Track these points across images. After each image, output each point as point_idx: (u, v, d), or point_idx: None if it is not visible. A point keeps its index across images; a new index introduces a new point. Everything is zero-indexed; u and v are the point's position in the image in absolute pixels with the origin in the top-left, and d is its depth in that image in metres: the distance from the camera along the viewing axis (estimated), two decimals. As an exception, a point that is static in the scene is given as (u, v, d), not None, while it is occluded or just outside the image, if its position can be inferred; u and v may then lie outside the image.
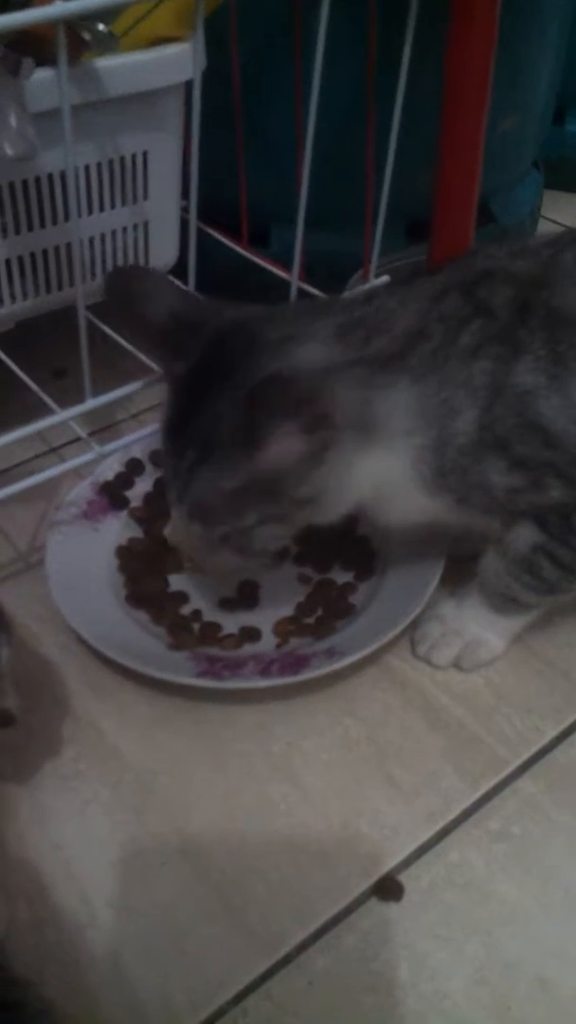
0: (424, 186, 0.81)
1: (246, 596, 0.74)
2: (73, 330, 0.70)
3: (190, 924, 0.57)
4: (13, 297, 0.80)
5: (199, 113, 0.65)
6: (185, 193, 0.78)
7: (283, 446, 0.56)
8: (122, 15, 0.71)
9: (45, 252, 0.78)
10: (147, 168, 0.79)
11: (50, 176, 0.73)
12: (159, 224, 0.84)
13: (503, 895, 0.58)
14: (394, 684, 0.70)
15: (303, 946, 0.56)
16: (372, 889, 0.58)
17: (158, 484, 0.82)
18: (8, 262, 0.77)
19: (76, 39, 0.65)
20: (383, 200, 0.81)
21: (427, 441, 0.59)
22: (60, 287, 0.81)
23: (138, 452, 0.82)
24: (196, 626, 0.72)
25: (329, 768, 0.65)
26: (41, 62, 0.63)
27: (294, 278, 0.82)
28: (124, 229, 0.82)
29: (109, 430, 0.90)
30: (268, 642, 0.71)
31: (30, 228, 0.76)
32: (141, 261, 0.85)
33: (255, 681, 0.66)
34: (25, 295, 0.80)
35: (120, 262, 0.84)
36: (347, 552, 0.77)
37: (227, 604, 0.74)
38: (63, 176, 0.73)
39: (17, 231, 0.75)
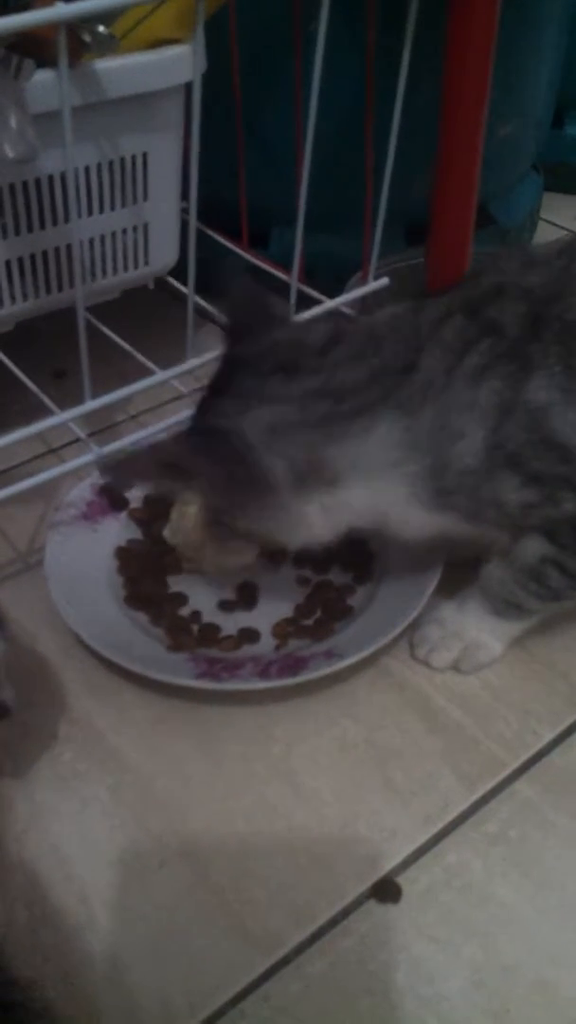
0: (423, 188, 0.81)
1: (245, 598, 0.74)
2: (73, 331, 0.70)
3: (188, 926, 0.57)
4: (13, 298, 0.80)
5: (199, 115, 0.66)
6: (185, 195, 0.78)
7: (206, 497, 0.64)
8: (122, 17, 0.72)
9: (45, 253, 0.78)
10: (147, 169, 0.79)
11: (50, 177, 0.73)
12: (159, 226, 0.84)
13: (501, 897, 0.58)
14: (392, 686, 0.70)
15: (301, 948, 0.56)
16: (370, 891, 0.58)
17: (157, 485, 0.82)
18: (8, 263, 0.77)
19: (76, 41, 0.66)
20: (382, 202, 0.82)
21: (420, 468, 0.60)
22: (60, 288, 0.81)
23: (137, 453, 0.82)
24: (195, 627, 0.72)
25: (327, 770, 0.65)
26: (41, 64, 0.63)
27: (293, 280, 0.82)
28: (124, 230, 0.82)
29: (109, 431, 0.90)
30: (267, 644, 0.71)
31: (30, 229, 0.76)
32: (141, 263, 0.85)
33: (254, 683, 0.66)
34: (25, 296, 0.80)
35: (120, 264, 0.84)
36: (346, 554, 0.77)
37: (226, 606, 0.74)
38: (63, 177, 0.73)
39: (17, 232, 0.75)
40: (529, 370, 0.57)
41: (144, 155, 0.78)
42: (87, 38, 0.66)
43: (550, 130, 1.20)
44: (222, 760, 0.65)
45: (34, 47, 0.62)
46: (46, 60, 0.62)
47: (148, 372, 0.79)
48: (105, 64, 0.69)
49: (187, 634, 0.71)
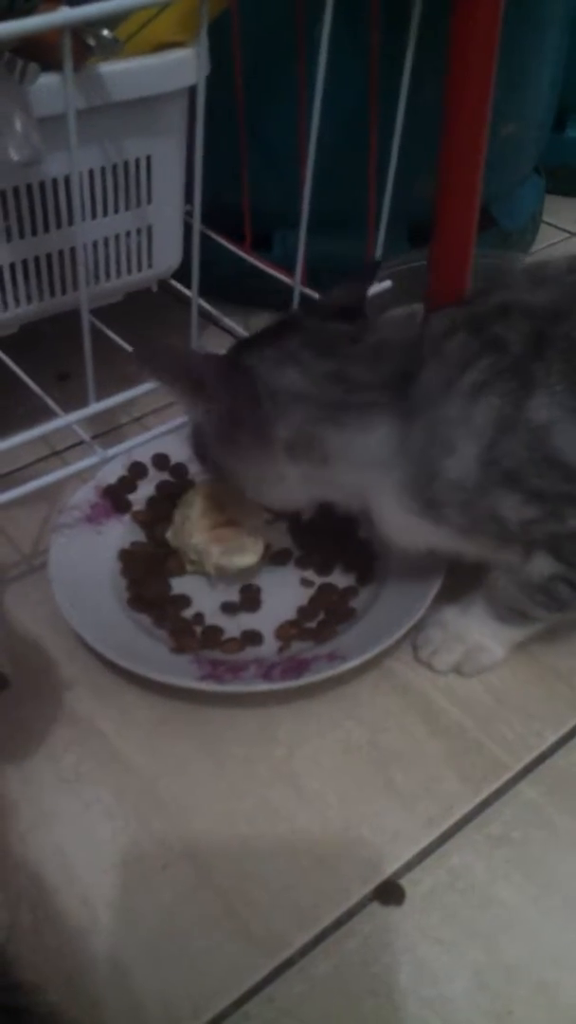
0: (426, 191, 0.82)
1: (248, 600, 0.75)
2: (77, 334, 0.70)
3: (191, 928, 0.57)
4: (17, 301, 0.80)
5: (203, 118, 0.66)
6: (188, 197, 0.78)
7: (200, 415, 0.66)
8: (126, 20, 0.72)
9: (49, 256, 0.78)
10: (151, 173, 0.79)
11: (54, 180, 0.74)
12: (162, 228, 0.84)
13: (504, 899, 0.58)
14: (395, 688, 0.70)
15: (304, 950, 0.56)
16: (373, 893, 0.59)
17: (161, 487, 0.82)
18: (12, 266, 0.77)
19: (81, 44, 0.66)
20: (385, 205, 0.82)
21: (404, 475, 0.61)
22: (64, 291, 0.81)
23: (141, 456, 0.82)
24: (198, 629, 0.72)
25: (330, 772, 0.65)
26: (46, 67, 0.63)
27: (297, 282, 0.82)
28: (128, 233, 0.82)
29: (112, 433, 0.91)
30: (270, 646, 0.71)
31: (34, 232, 0.76)
32: (144, 265, 0.85)
33: (257, 685, 0.66)
34: (29, 299, 0.80)
35: (123, 266, 0.84)
36: (349, 556, 0.77)
37: (229, 608, 0.74)
38: (67, 180, 0.73)
39: (21, 235, 0.76)
40: (531, 388, 0.57)
41: (148, 158, 0.78)
42: (91, 42, 0.66)
43: (552, 133, 1.20)
44: (225, 762, 0.65)
45: (39, 51, 0.62)
46: (51, 64, 0.62)
47: (151, 375, 0.79)
48: (109, 68, 0.70)
49: (190, 636, 0.71)
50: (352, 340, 0.64)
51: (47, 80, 0.64)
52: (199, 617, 0.73)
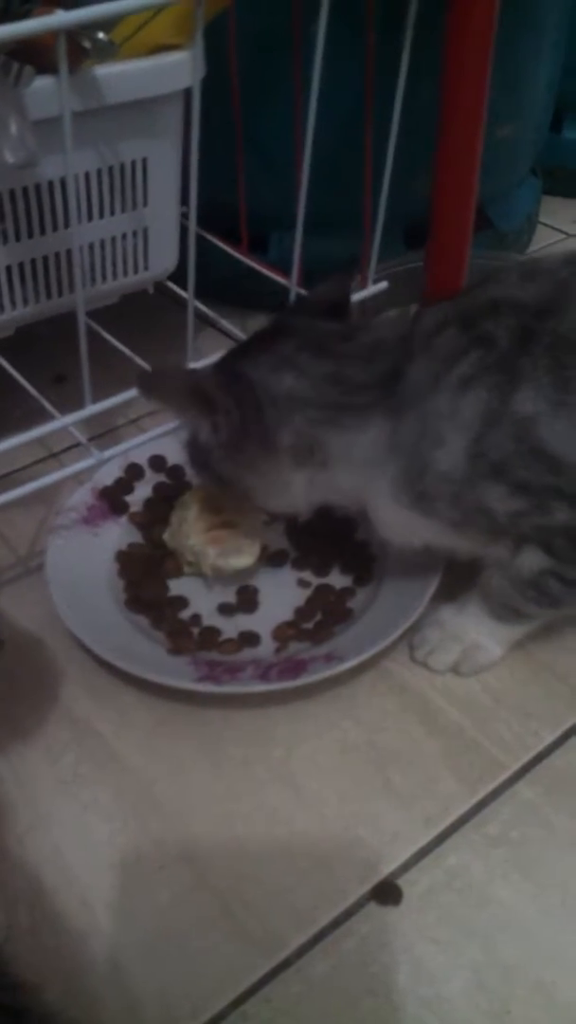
0: (422, 192, 0.82)
1: (245, 601, 0.75)
2: (73, 336, 0.70)
3: (189, 928, 0.57)
4: (13, 303, 0.80)
5: (198, 120, 0.66)
6: (184, 199, 0.79)
7: (198, 425, 0.66)
8: (122, 23, 0.72)
9: (45, 258, 0.79)
10: (146, 175, 0.80)
11: (50, 183, 0.74)
12: (159, 230, 0.84)
13: (501, 899, 0.58)
14: (393, 689, 0.70)
15: (302, 950, 0.56)
16: (371, 893, 0.59)
17: (158, 489, 0.82)
18: (8, 268, 0.77)
19: (76, 47, 0.66)
20: (381, 206, 0.82)
21: (397, 469, 0.62)
22: (60, 293, 0.81)
23: (138, 457, 0.82)
24: (195, 631, 0.72)
25: (328, 772, 0.65)
26: (41, 70, 0.63)
27: (293, 284, 0.83)
28: (124, 235, 0.82)
29: (109, 435, 0.91)
30: (267, 647, 0.71)
31: (30, 235, 0.76)
32: (141, 268, 0.85)
33: (254, 685, 0.66)
34: (25, 301, 0.80)
35: (120, 268, 0.84)
36: (346, 557, 0.77)
37: (226, 609, 0.74)
38: (63, 183, 0.73)
39: (17, 238, 0.76)
40: (517, 382, 0.58)
41: (144, 160, 0.79)
42: (87, 44, 0.67)
43: (549, 133, 1.20)
44: (222, 763, 0.65)
45: (34, 54, 0.62)
46: (46, 66, 0.62)
47: (148, 376, 0.79)
48: (105, 70, 0.70)
49: (187, 637, 0.71)
50: (346, 339, 0.65)
51: (42, 83, 0.64)
52: (196, 618, 0.74)
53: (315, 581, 0.77)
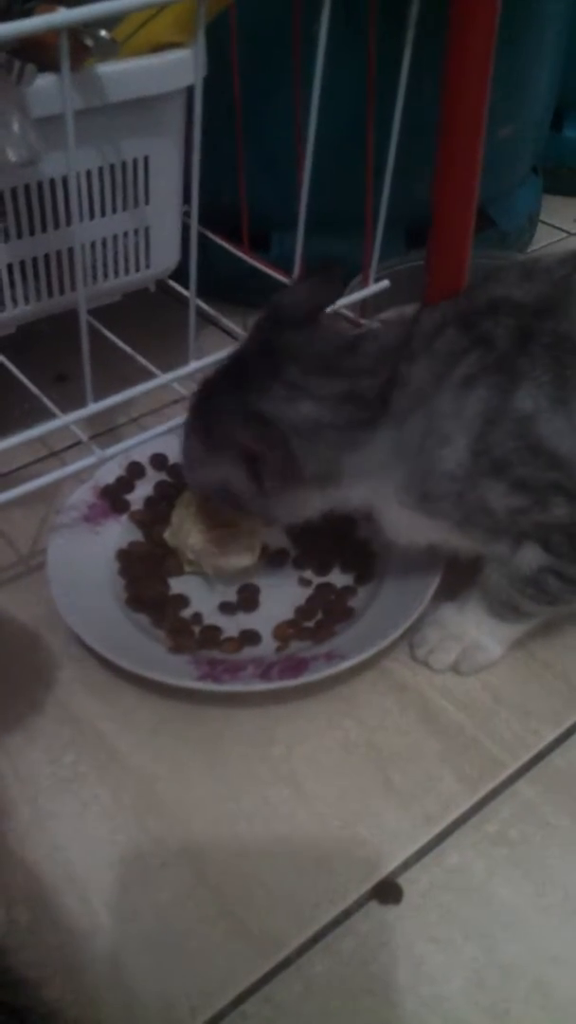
0: (423, 191, 0.82)
1: (246, 600, 0.75)
2: (74, 334, 0.70)
3: (190, 927, 0.57)
4: (15, 301, 0.80)
5: (200, 118, 0.66)
6: (186, 198, 0.78)
7: (223, 470, 0.65)
8: (124, 21, 0.72)
9: (47, 256, 0.78)
10: (148, 173, 0.80)
11: (52, 181, 0.74)
12: (160, 229, 0.84)
13: (501, 898, 0.58)
14: (393, 688, 0.70)
15: (302, 949, 0.56)
16: (371, 892, 0.59)
17: (159, 488, 0.82)
18: (10, 266, 0.77)
19: (78, 45, 0.66)
20: (383, 205, 0.82)
21: (404, 472, 0.62)
22: (62, 291, 0.81)
23: (139, 456, 0.82)
24: (196, 629, 0.72)
25: (328, 771, 0.65)
26: (44, 68, 0.63)
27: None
28: (125, 234, 0.82)
29: (110, 434, 0.91)
30: (268, 646, 0.72)
31: (32, 233, 0.76)
32: (142, 266, 0.85)
33: (255, 684, 0.66)
34: (27, 299, 0.80)
35: (121, 267, 0.84)
36: (347, 556, 0.77)
37: (227, 608, 0.74)
38: (65, 181, 0.73)
39: (19, 235, 0.76)
40: (517, 380, 0.59)
41: (145, 159, 0.79)
42: (89, 42, 0.67)
43: (550, 132, 1.20)
44: (223, 761, 0.65)
45: (36, 52, 0.62)
46: (48, 64, 0.62)
47: (149, 375, 0.79)
48: (107, 68, 0.70)
49: (188, 636, 0.71)
50: (350, 351, 0.65)
51: (44, 81, 0.64)
52: (197, 617, 0.74)
53: (316, 580, 0.77)
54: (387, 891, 0.58)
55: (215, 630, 0.72)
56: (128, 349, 0.83)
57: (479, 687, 0.70)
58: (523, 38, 0.99)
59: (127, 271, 0.85)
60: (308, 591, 0.76)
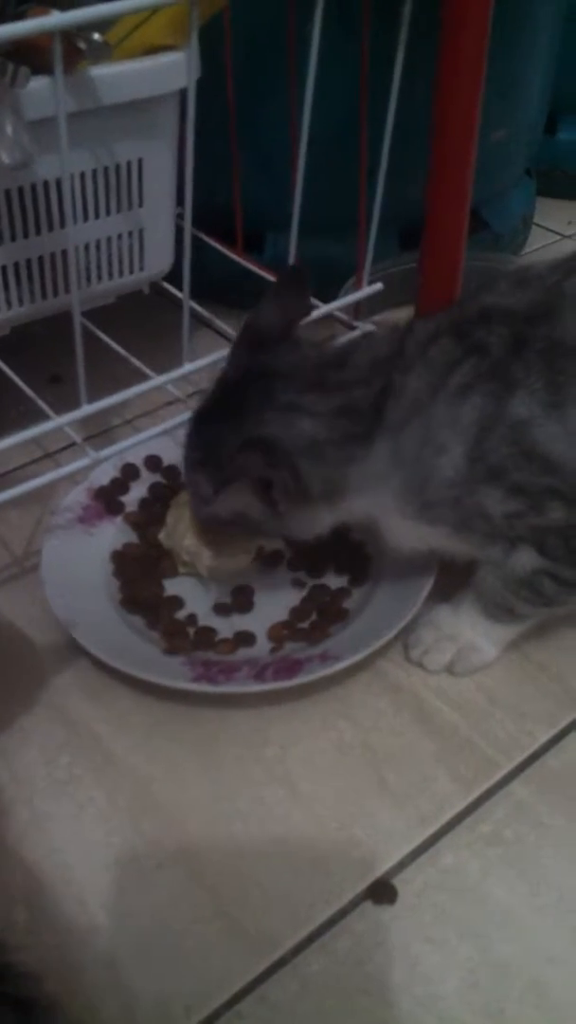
0: (417, 193, 0.82)
1: (241, 601, 0.75)
2: (69, 336, 0.70)
3: (185, 927, 0.57)
4: (9, 303, 0.80)
5: (193, 121, 0.66)
6: (180, 200, 0.79)
7: (235, 502, 0.65)
8: (117, 24, 0.72)
9: (40, 259, 0.79)
10: (142, 175, 0.80)
11: (45, 183, 0.74)
12: (154, 231, 0.84)
13: (496, 898, 0.59)
14: (387, 688, 0.70)
15: (297, 949, 0.56)
16: (366, 892, 0.59)
17: (153, 489, 0.82)
18: (4, 268, 0.77)
19: (72, 48, 0.66)
20: (376, 207, 0.82)
21: (401, 481, 0.62)
22: (56, 293, 0.81)
23: (133, 457, 0.82)
24: (191, 631, 0.72)
25: (323, 772, 0.65)
26: (37, 71, 0.63)
27: (288, 285, 0.82)
28: (119, 236, 0.82)
29: (104, 435, 0.91)
30: (263, 647, 0.72)
31: (26, 235, 0.76)
32: (136, 268, 0.85)
33: (249, 685, 0.66)
34: (21, 301, 0.80)
35: (115, 269, 0.84)
36: (341, 557, 0.77)
37: (222, 609, 0.74)
38: (58, 183, 0.73)
39: (13, 238, 0.76)
40: (512, 388, 0.59)
41: (139, 161, 0.79)
42: (82, 45, 0.67)
43: (543, 135, 1.21)
44: (218, 762, 0.65)
45: (30, 54, 0.62)
46: (42, 67, 0.63)
47: (144, 377, 0.79)
48: (100, 71, 0.70)
49: (183, 637, 0.71)
50: (340, 365, 0.65)
51: (38, 83, 0.64)
52: (192, 618, 0.74)
53: (310, 581, 0.77)
54: (382, 891, 0.59)
55: (210, 631, 0.72)
56: (122, 351, 0.83)
57: (473, 688, 0.70)
58: (516, 40, 0.99)
59: (121, 273, 0.85)
60: (302, 592, 0.76)
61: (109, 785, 0.64)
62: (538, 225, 1.28)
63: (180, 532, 0.74)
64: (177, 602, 0.75)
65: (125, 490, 0.82)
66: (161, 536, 0.76)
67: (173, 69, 0.73)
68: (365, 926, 0.57)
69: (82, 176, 0.76)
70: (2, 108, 0.63)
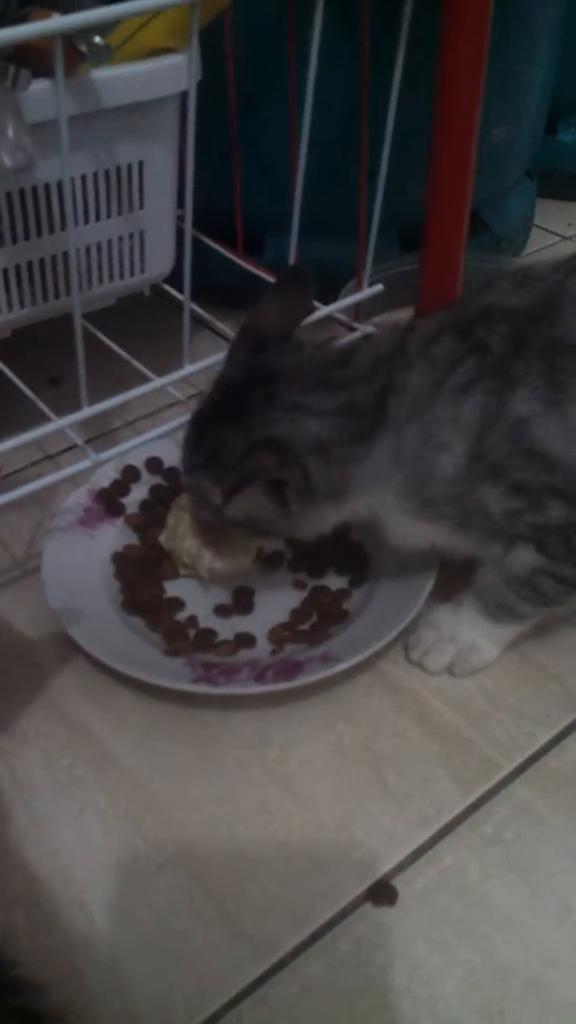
0: (417, 194, 0.82)
1: (241, 603, 0.75)
2: (69, 338, 0.70)
3: (186, 929, 0.57)
4: (10, 306, 0.80)
5: (194, 123, 0.66)
6: (181, 202, 0.79)
7: (248, 503, 0.64)
8: (118, 27, 0.72)
9: (42, 261, 0.79)
10: (143, 178, 0.80)
11: (47, 186, 0.74)
12: (155, 233, 0.84)
13: (496, 899, 0.59)
14: (388, 690, 0.70)
15: (298, 951, 0.56)
16: (366, 894, 0.59)
17: (154, 491, 0.82)
18: (5, 271, 0.78)
19: (73, 51, 0.66)
20: (376, 208, 0.82)
21: (403, 479, 0.63)
22: (57, 295, 0.81)
23: (134, 459, 0.83)
24: (192, 632, 0.72)
25: (323, 773, 0.65)
26: (38, 74, 0.63)
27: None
28: (120, 238, 0.83)
29: (105, 437, 0.91)
30: (263, 648, 0.72)
31: (27, 237, 0.76)
32: (137, 270, 0.86)
33: (250, 687, 0.66)
34: (22, 303, 0.81)
35: (116, 271, 0.84)
36: (341, 558, 0.78)
37: (222, 611, 0.74)
38: (60, 186, 0.73)
39: (14, 240, 0.76)
40: (512, 386, 0.59)
41: (140, 163, 0.79)
42: (83, 48, 0.67)
43: (543, 136, 1.21)
44: (219, 764, 0.66)
45: (31, 57, 0.62)
46: (43, 70, 0.63)
47: (144, 379, 0.79)
48: (101, 74, 0.70)
49: (184, 639, 0.72)
50: (343, 364, 0.65)
51: (39, 86, 0.64)
52: (192, 620, 0.74)
53: (310, 583, 0.77)
54: (382, 892, 0.59)
55: (210, 633, 0.72)
56: (123, 353, 0.83)
57: (474, 689, 0.70)
58: (516, 40, 0.99)
59: (122, 275, 0.85)
60: (303, 594, 0.76)
61: (109, 787, 0.64)
62: (538, 226, 1.28)
63: (181, 534, 0.74)
64: (178, 604, 0.75)
65: (126, 492, 0.82)
66: (162, 538, 0.76)
67: (174, 72, 0.74)
68: (365, 927, 0.57)
69: (83, 178, 0.76)
70: (3, 111, 0.63)
